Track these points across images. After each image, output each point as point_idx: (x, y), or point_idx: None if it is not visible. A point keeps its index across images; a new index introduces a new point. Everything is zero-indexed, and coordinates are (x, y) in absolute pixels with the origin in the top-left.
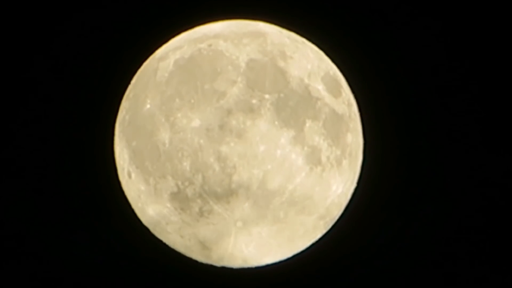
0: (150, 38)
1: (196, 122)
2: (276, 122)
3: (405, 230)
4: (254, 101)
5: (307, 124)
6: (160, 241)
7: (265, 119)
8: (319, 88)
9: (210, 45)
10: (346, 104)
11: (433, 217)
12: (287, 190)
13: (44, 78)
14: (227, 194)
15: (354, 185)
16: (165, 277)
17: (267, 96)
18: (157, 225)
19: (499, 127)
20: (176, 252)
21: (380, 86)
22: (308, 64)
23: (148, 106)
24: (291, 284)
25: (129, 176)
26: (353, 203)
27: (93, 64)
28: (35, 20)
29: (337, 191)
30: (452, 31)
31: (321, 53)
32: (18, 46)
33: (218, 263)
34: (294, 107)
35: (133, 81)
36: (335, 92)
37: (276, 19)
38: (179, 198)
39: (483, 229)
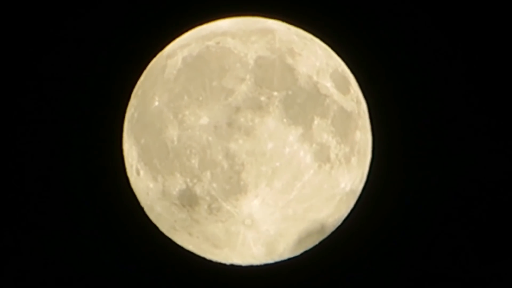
0: (158, 36)
1: (204, 120)
2: (285, 120)
3: (414, 227)
4: (262, 98)
5: (316, 122)
6: (169, 239)
7: (274, 117)
8: (327, 85)
9: (218, 43)
10: (355, 101)
11: (442, 214)
12: (296, 187)
13: (52, 76)
14: (236, 192)
15: (363, 182)
16: (173, 274)
17: (275, 93)
18: (165, 222)
19: (506, 122)
20: (184, 250)
21: (389, 83)
22: (316, 61)
23: (156, 103)
24: (299, 281)
25: (138, 173)
26: (362, 201)
27: (101, 61)
28: (45, 17)
29: (346, 189)
30: (460, 29)
31: (330, 50)
32: (28, 44)
33: (227, 261)
34: (302, 105)
35: (141, 79)
36: (344, 89)
37: (285, 16)
38: (188, 196)
39: (491, 226)
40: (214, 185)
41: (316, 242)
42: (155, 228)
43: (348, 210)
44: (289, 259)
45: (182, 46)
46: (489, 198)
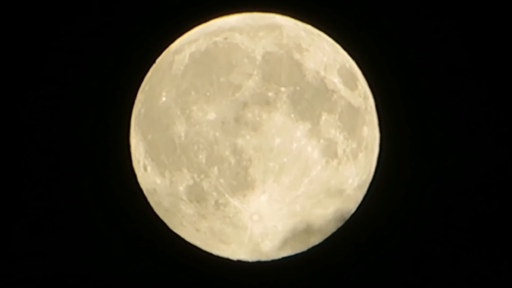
0: (165, 32)
1: (211, 115)
2: (292, 115)
3: (421, 223)
4: (270, 94)
5: (323, 117)
6: (176, 234)
7: (281, 112)
8: (335, 81)
9: (225, 38)
10: (362, 97)
11: (448, 211)
12: (303, 183)
13: (59, 73)
14: (243, 187)
15: (370, 178)
16: (180, 270)
17: (283, 89)
18: (172, 218)
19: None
20: (191, 245)
21: (396, 79)
22: (324, 57)
23: (164, 99)
24: (307, 276)
25: (145, 169)
26: (369, 196)
27: (109, 57)
28: (54, 14)
29: (353, 184)
30: (467, 26)
31: (337, 46)
32: (37, 40)
33: (234, 257)
34: (310, 100)
35: (148, 74)
36: (351, 85)
37: (292, 12)
38: (195, 191)
39: (496, 223)
40: (222, 180)
41: (321, 240)
42: (163, 223)
43: (356, 206)
44: (297, 255)
45: (189, 42)
46: (496, 195)
